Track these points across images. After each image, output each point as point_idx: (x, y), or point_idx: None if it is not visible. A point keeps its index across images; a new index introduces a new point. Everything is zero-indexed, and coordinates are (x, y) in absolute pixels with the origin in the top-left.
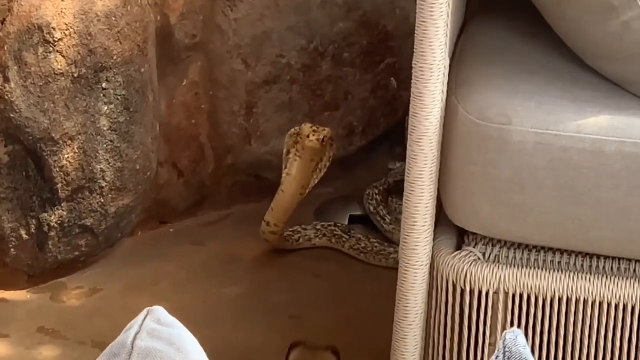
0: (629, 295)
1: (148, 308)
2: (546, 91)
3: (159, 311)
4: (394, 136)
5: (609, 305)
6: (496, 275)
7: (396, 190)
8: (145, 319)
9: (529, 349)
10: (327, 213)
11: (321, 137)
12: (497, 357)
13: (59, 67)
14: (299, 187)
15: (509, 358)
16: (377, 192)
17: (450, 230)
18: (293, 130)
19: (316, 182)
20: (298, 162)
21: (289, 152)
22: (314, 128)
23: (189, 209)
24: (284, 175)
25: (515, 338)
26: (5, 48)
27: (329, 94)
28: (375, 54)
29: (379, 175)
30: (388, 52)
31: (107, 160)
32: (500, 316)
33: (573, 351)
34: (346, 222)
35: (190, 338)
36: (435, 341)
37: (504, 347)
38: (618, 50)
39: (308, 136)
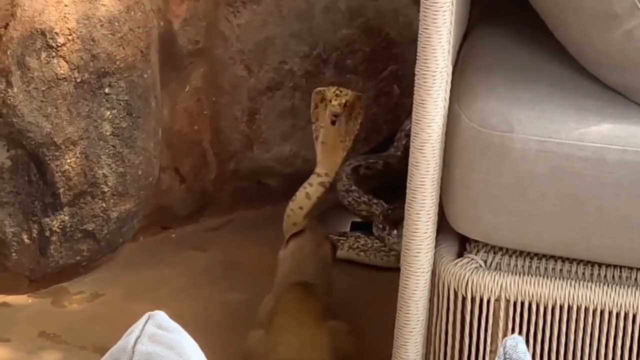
0: (630, 303)
1: (149, 312)
2: (548, 99)
3: (160, 316)
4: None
5: (610, 313)
6: (497, 282)
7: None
8: (146, 323)
9: (529, 356)
10: (328, 220)
11: (343, 101)
12: None
13: (62, 72)
14: (337, 135)
15: None
16: (345, 175)
17: (452, 237)
18: (318, 89)
19: (357, 131)
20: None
21: (316, 107)
22: (337, 92)
23: (190, 214)
24: (314, 127)
25: (516, 345)
26: (8, 53)
27: None
28: (378, 60)
29: None
30: (391, 59)
31: (109, 165)
32: (501, 323)
33: (574, 359)
34: (348, 229)
35: (191, 343)
36: (436, 348)
37: (504, 354)
38: (620, 58)
39: (330, 100)
